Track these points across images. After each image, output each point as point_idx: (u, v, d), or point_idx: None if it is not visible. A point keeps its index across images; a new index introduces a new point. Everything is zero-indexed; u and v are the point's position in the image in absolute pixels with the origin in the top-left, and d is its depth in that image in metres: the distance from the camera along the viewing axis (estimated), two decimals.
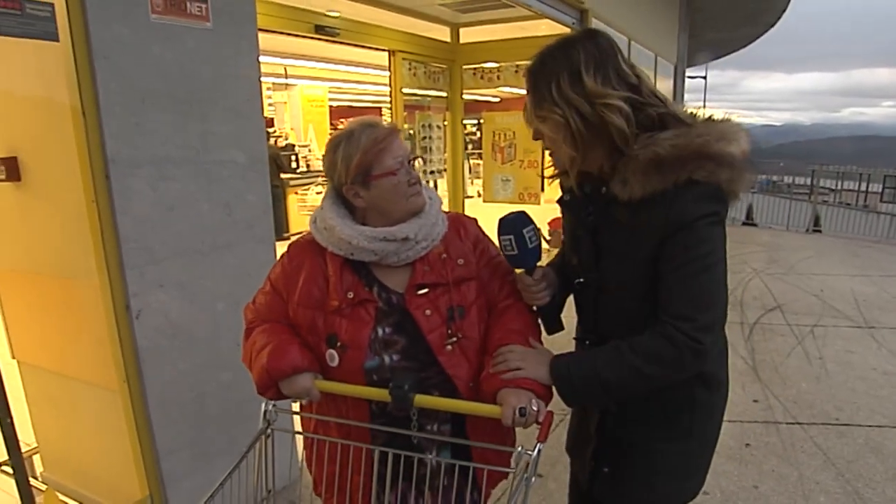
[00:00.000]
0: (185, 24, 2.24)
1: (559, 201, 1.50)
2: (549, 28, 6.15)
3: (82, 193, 2.10)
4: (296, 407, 1.57)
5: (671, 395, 1.39)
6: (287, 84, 10.93)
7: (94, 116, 2.02)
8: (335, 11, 5.25)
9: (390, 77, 5.90)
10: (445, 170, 7.41)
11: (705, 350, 1.24)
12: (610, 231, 1.36)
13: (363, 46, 5.70)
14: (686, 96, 14.10)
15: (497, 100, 14.58)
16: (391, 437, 1.39)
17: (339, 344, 1.37)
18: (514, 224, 1.39)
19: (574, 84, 1.27)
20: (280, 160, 9.23)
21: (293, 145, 10.63)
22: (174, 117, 2.25)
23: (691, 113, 1.33)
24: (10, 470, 2.50)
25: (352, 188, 1.40)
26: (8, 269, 2.59)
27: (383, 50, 5.97)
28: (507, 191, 6.78)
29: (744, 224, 11.11)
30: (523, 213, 1.42)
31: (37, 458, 2.88)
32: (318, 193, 9.78)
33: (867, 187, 15.38)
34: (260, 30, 4.51)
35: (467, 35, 6.92)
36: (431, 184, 7.34)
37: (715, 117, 1.33)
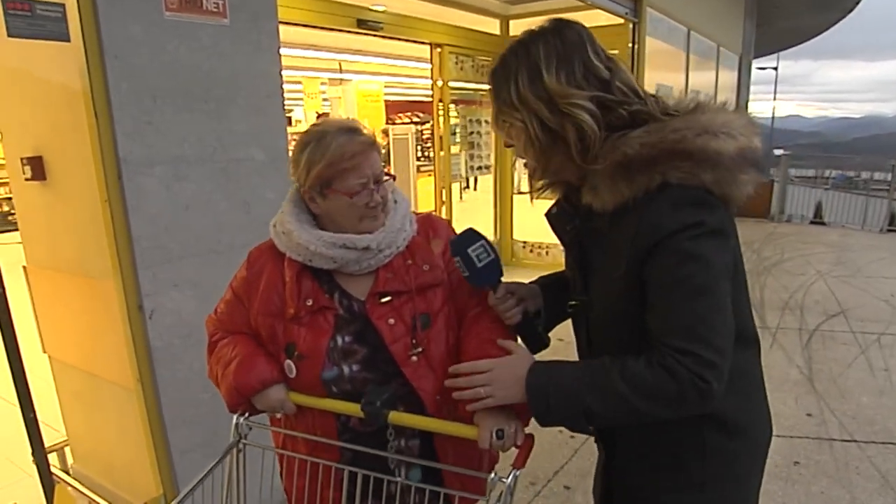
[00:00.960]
0: (200, 21, 2.22)
1: (546, 215, 1.35)
2: (604, 18, 5.95)
3: (97, 193, 2.10)
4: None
5: (678, 437, 1.21)
6: (342, 79, 11.01)
7: (105, 116, 2.02)
8: (380, 5, 5.21)
9: (432, 70, 5.80)
10: (491, 165, 7.29)
11: (711, 391, 1.03)
12: (593, 247, 1.22)
13: (406, 40, 5.63)
14: (752, 88, 13.45)
15: None
16: (357, 454, 1.32)
17: (296, 354, 1.31)
18: (459, 244, 1.29)
19: (533, 84, 1.13)
20: None
21: None
22: (190, 115, 2.23)
23: (697, 104, 1.14)
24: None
25: (308, 192, 1.32)
26: (38, 265, 2.64)
27: (425, 43, 5.90)
28: None
29: (811, 223, 10.53)
30: (470, 230, 1.31)
31: (68, 451, 2.95)
32: None
33: None
34: (301, 25, 4.58)
35: (518, 27, 6.77)
36: (472, 180, 7.22)
37: (710, 107, 1.14)
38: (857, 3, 13.53)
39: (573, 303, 1.30)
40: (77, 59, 1.98)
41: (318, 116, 12.09)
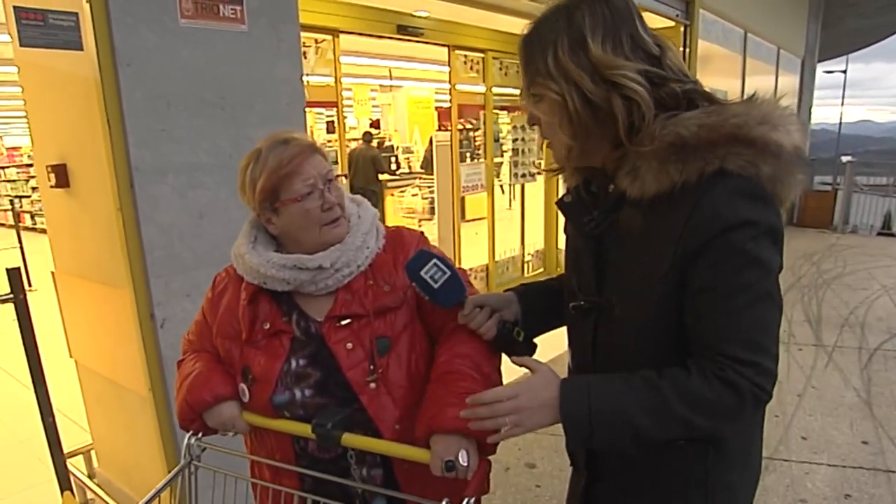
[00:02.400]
0: (217, 28, 2.20)
1: (558, 203, 1.23)
2: (654, 20, 5.76)
3: (112, 201, 2.10)
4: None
5: (677, 468, 1.10)
6: (392, 86, 11.06)
7: (118, 124, 2.02)
8: (423, 11, 5.17)
9: (450, 74, 5.63)
10: (540, 173, 7.16)
11: (767, 401, 0.98)
12: (618, 242, 1.09)
13: (440, 45, 5.57)
14: (819, 93, 12.85)
15: None
16: (318, 481, 1.25)
17: (249, 377, 1.26)
18: (412, 269, 1.21)
19: (575, 53, 1.01)
20: (379, 162, 9.34)
21: (392, 146, 10.77)
22: (204, 123, 2.21)
23: (754, 94, 1.03)
24: (70, 465, 2.63)
25: (262, 214, 1.27)
26: (64, 272, 2.67)
27: (472, 49, 5.82)
28: None
29: (879, 234, 9.95)
30: (421, 251, 1.24)
31: (93, 454, 2.98)
32: (413, 195, 9.85)
33: None
34: (340, 31, 4.57)
35: None
36: (516, 188, 7.09)
37: (766, 99, 1.02)
38: None
39: (578, 305, 1.16)
40: (91, 68, 1.99)
41: (371, 124, 12.21)
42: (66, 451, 2.57)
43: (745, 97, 1.02)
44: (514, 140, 6.78)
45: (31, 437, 3.35)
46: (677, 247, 0.97)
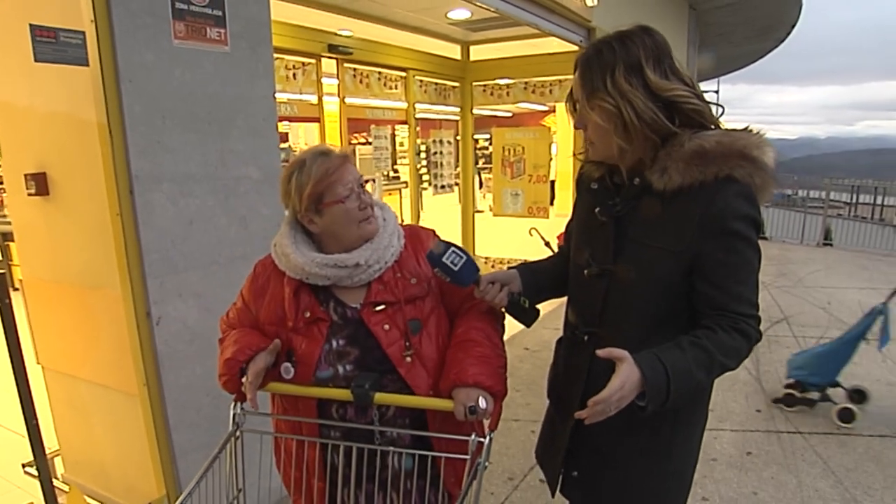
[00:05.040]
0: (205, 49, 2.39)
1: (585, 190, 1.53)
2: (559, 45, 6.27)
3: (107, 207, 2.24)
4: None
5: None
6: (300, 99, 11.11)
7: (119, 136, 2.17)
8: (347, 31, 5.42)
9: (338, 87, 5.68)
10: (457, 184, 7.54)
11: (759, 341, 1.33)
12: (636, 222, 1.39)
13: (375, 65, 5.84)
14: None
15: (510, 115, 14.76)
16: (349, 438, 1.50)
17: (293, 358, 1.49)
18: (435, 257, 1.46)
19: (630, 77, 1.29)
20: None
21: None
22: (195, 136, 2.39)
23: (747, 126, 1.38)
24: (33, 471, 2.65)
25: (306, 216, 1.49)
26: (35, 277, 2.73)
27: (394, 68, 6.11)
28: (516, 205, 6.87)
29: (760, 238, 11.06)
30: (438, 242, 1.49)
31: (58, 461, 3.01)
32: None
33: (883, 200, 15.27)
34: (282, 51, 4.74)
35: (478, 53, 7.07)
36: (426, 198, 7.45)
37: (748, 128, 1.38)
38: (789, 34, 14.43)
39: (591, 271, 1.45)
40: (94, 84, 2.13)
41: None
42: (26, 459, 2.60)
43: (743, 127, 1.37)
44: (434, 153, 7.12)
45: None
46: (695, 230, 1.29)
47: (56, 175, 2.49)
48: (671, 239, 1.33)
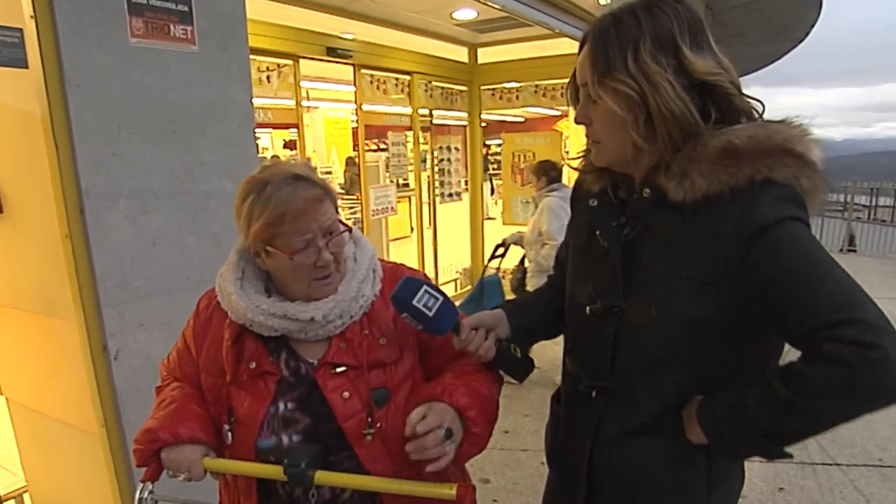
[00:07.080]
0: (168, 48, 2.14)
1: (584, 207, 1.22)
2: (569, 47, 6.01)
3: (57, 227, 1.99)
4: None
5: (682, 457, 1.12)
6: (308, 107, 10.96)
7: (66, 147, 1.92)
8: (350, 33, 5.19)
9: (355, 94, 5.51)
10: (467, 190, 7.29)
11: (887, 356, 0.86)
12: (650, 246, 1.08)
13: (376, 68, 5.60)
14: None
15: (521, 120, 14.51)
16: None
17: (232, 419, 1.20)
18: (401, 300, 1.14)
19: (659, 54, 1.00)
20: None
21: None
22: (157, 147, 2.14)
23: (785, 118, 1.09)
24: None
25: (252, 248, 1.21)
26: None
27: (399, 72, 5.87)
28: (527, 213, 6.58)
29: None
30: (406, 279, 1.17)
31: (27, 497, 2.77)
32: None
33: None
34: (271, 53, 4.51)
35: (485, 55, 6.81)
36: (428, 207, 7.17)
37: (789, 120, 1.08)
38: (807, 35, 14.02)
39: (596, 308, 1.15)
40: (36, 87, 1.88)
41: (285, 145, 12.02)
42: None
43: (780, 118, 1.07)
44: (440, 160, 6.88)
45: None
46: (730, 247, 0.98)
47: (8, 191, 2.25)
48: (699, 265, 1.02)
